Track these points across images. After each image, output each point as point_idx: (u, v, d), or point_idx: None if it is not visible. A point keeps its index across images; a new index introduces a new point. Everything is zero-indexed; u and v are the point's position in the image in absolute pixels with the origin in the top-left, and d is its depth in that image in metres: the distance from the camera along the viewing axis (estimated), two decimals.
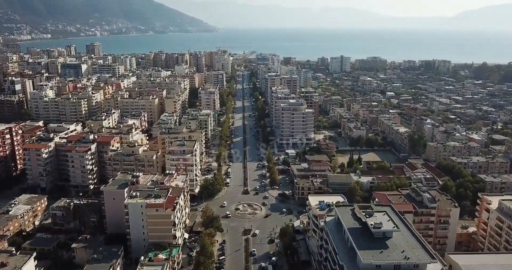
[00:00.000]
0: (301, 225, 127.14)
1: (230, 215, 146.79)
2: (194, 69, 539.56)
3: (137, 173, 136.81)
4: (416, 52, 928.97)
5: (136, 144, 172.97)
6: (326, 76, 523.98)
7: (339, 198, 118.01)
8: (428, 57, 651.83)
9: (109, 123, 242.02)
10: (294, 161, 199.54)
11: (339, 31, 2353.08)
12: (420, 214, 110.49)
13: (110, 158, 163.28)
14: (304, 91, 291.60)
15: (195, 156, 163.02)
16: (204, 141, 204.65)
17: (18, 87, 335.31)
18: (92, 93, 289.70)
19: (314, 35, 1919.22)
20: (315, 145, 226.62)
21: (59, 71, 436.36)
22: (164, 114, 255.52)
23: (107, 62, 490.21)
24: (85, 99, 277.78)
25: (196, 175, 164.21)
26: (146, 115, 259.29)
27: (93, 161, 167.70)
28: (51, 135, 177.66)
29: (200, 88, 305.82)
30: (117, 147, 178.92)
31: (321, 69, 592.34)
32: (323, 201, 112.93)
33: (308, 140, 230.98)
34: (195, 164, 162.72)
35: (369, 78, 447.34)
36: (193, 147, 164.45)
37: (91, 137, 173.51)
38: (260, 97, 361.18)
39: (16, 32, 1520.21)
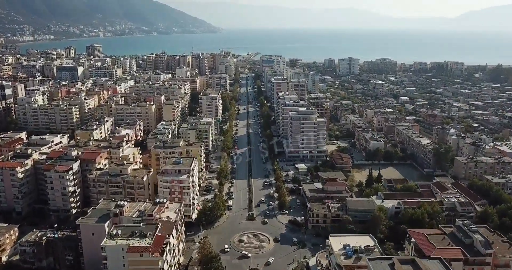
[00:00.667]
0: (319, 268, 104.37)
1: (228, 250, 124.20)
2: (196, 71, 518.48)
3: (122, 202, 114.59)
4: (423, 53, 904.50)
5: (125, 161, 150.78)
6: (335, 79, 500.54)
7: (367, 240, 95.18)
8: (438, 59, 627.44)
9: (101, 133, 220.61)
10: (305, 179, 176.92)
11: (340, 32, 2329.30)
12: (472, 263, 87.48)
13: (94, 179, 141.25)
14: (314, 97, 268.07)
15: (193, 176, 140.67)
16: (204, 155, 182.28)
17: (8, 91, 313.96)
18: (84, 98, 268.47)
19: (316, 36, 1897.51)
20: (328, 158, 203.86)
21: (55, 75, 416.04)
22: (162, 122, 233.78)
23: (106, 65, 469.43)
24: (77, 106, 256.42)
25: (193, 198, 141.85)
26: (141, 123, 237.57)
27: (75, 181, 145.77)
28: (29, 150, 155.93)
29: (201, 93, 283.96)
30: (105, 164, 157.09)
31: (329, 72, 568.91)
32: (349, 245, 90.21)
33: (320, 152, 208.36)
34: (192, 185, 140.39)
35: (380, 82, 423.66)
36: (190, 165, 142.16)
37: (74, 153, 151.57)
38: (265, 102, 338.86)
39: (19, 33, 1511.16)
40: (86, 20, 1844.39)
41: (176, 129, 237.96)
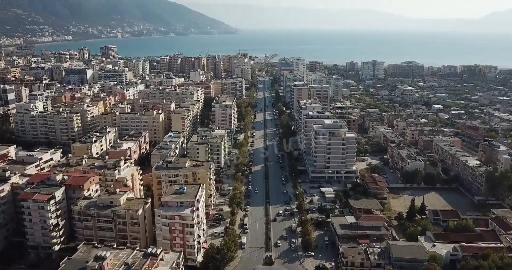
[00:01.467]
0: None
1: None
2: (212, 74, 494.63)
3: (104, 252, 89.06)
4: (450, 55, 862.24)
5: (119, 189, 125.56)
6: (358, 84, 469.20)
7: None
8: (466, 61, 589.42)
9: (101, 146, 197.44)
10: (333, 208, 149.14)
11: (358, 33, 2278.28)
12: None
13: (80, 211, 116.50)
14: (340, 106, 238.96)
15: (198, 210, 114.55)
16: (214, 176, 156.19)
17: (11, 96, 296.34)
18: (88, 105, 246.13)
19: (334, 37, 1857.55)
20: (358, 180, 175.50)
21: (64, 77, 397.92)
22: (169, 134, 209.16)
23: (118, 67, 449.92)
24: (78, 114, 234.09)
25: (198, 236, 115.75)
26: (147, 135, 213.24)
27: (58, 213, 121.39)
28: (8, 173, 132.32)
29: (214, 101, 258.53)
30: (97, 190, 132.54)
31: (351, 75, 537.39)
32: None
33: (349, 172, 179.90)
34: (198, 221, 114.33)
35: (409, 87, 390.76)
36: (196, 196, 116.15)
37: (59, 177, 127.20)
38: (284, 110, 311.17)
39: (38, 34, 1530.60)
40: (104, 21, 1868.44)
41: (185, 141, 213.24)
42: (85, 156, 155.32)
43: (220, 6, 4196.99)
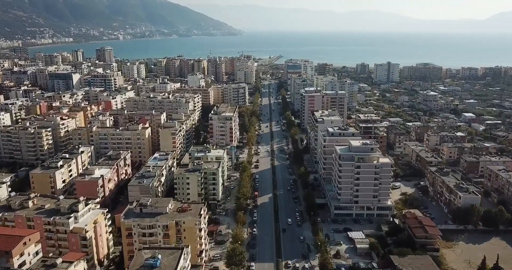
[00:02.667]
0: None
1: None
2: (212, 78, 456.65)
3: None
4: (465, 56, 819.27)
5: (60, 260, 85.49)
6: (372, 88, 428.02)
7: None
8: (484, 63, 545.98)
9: (70, 171, 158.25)
10: (369, 266, 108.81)
11: (366, 34, 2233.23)
12: None
13: None
14: (364, 119, 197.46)
15: None
16: (205, 225, 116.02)
17: None
18: (62, 118, 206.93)
19: (341, 38, 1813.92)
20: (396, 221, 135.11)
21: (47, 83, 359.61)
22: (155, 155, 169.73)
23: (110, 70, 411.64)
24: (49, 129, 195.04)
25: None
26: (128, 157, 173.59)
27: None
28: None
29: (212, 112, 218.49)
30: (37, 252, 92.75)
31: (363, 78, 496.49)
32: None
33: (383, 209, 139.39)
34: None
35: (432, 92, 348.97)
36: None
37: None
38: (293, 119, 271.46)
39: (39, 35, 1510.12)
40: (106, 23, 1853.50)
41: (176, 163, 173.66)
42: (32, 195, 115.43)
43: (224, 8, 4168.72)
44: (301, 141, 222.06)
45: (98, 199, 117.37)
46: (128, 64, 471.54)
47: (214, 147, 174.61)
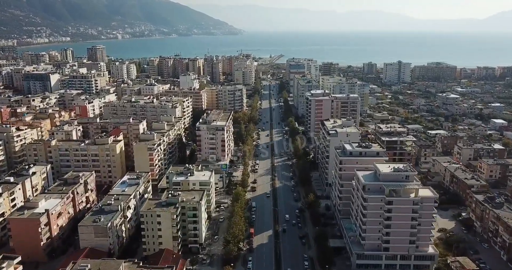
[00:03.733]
0: None
1: None
2: (208, 78, 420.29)
3: None
4: (470, 56, 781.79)
5: None
6: (382, 89, 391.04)
7: None
8: (498, 63, 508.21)
9: (13, 200, 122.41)
10: None
11: (367, 35, 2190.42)
12: None
13: None
14: (386, 131, 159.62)
15: None
16: None
17: None
18: (18, 128, 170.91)
19: (343, 39, 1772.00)
20: None
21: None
22: (124, 178, 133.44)
23: (98, 70, 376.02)
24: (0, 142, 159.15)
25: None
26: (92, 179, 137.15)
27: None
28: None
29: (200, 120, 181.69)
30: None
31: (370, 79, 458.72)
32: None
33: (423, 258, 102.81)
34: None
35: (452, 95, 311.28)
36: None
37: None
38: (296, 126, 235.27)
39: (35, 35, 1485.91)
40: (105, 22, 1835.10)
41: (149, 188, 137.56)
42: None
43: (224, 8, 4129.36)
44: (306, 154, 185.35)
45: (18, 259, 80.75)
46: (117, 63, 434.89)
47: (200, 168, 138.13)
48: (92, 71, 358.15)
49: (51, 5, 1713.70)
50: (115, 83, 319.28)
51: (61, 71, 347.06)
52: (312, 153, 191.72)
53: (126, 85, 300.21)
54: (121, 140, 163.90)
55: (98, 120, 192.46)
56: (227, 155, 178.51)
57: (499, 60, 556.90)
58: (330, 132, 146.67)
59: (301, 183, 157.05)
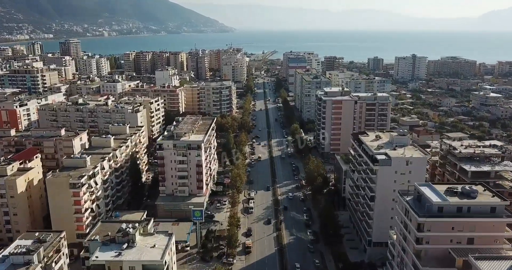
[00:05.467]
0: None
1: None
2: (193, 74, 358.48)
3: None
4: (473, 52, 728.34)
5: None
6: (398, 87, 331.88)
7: None
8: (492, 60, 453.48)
9: None
10: None
11: (363, 33, 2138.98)
12: None
13: None
14: (464, 152, 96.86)
15: None
16: None
17: None
18: None
19: (337, 37, 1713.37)
20: None
21: None
22: (18, 242, 70.50)
23: (62, 65, 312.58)
24: None
25: None
26: None
27: None
28: None
29: (165, 132, 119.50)
30: None
31: (379, 75, 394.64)
32: None
33: None
34: None
35: (493, 94, 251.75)
36: None
37: None
38: (303, 136, 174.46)
39: (16, 31, 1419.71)
40: (92, 19, 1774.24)
41: (64, 263, 75.15)
42: None
43: (216, 6, 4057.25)
44: (325, 182, 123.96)
45: None
46: (85, 58, 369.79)
47: (150, 229, 75.79)
48: (51, 66, 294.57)
49: (35, 0, 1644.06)
50: (71, 80, 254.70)
51: (9, 65, 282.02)
52: (332, 177, 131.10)
53: (82, 82, 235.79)
54: (33, 168, 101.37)
55: (12, 132, 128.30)
56: (206, 186, 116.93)
57: (499, 58, 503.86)
58: (378, 157, 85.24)
59: (324, 238, 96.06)
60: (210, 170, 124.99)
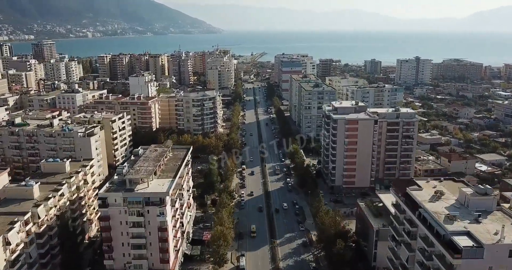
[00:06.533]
0: None
1: None
2: (174, 80, 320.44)
3: None
4: (467, 53, 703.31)
5: None
6: (404, 94, 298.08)
7: None
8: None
9: None
10: None
11: (349, 33, 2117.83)
12: None
13: None
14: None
15: None
16: None
17: None
18: None
19: (326, 37, 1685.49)
20: None
21: None
22: None
23: (28, 69, 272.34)
24: None
25: None
26: None
27: None
28: None
29: (116, 175, 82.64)
30: None
31: (379, 79, 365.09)
32: None
33: None
34: None
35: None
36: None
37: None
38: (304, 159, 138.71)
39: None
40: (75, 20, 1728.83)
41: None
42: None
43: (202, 7, 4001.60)
44: (343, 237, 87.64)
45: None
46: (52, 61, 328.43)
47: None
48: (10, 72, 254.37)
49: (16, 0, 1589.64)
50: (26, 89, 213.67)
51: None
52: (353, 232, 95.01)
53: (35, 93, 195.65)
54: None
55: None
56: (176, 253, 79.64)
57: (496, 60, 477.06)
58: (460, 243, 49.18)
59: None
60: (183, 226, 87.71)
